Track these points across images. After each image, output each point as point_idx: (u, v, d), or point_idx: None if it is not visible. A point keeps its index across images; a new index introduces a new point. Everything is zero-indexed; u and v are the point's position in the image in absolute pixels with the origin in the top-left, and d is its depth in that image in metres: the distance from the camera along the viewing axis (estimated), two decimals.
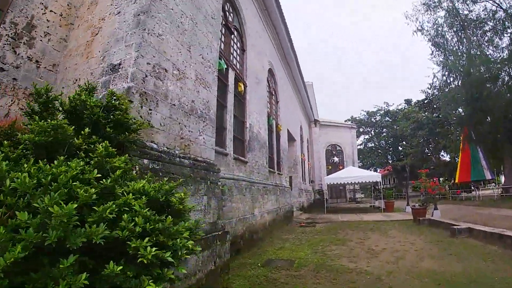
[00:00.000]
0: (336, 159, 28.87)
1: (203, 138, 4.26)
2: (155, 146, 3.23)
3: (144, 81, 3.18)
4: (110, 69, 3.24)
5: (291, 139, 17.01)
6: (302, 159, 20.46)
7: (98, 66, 3.41)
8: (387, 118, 42.04)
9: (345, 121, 37.38)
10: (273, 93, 13.01)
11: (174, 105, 3.61)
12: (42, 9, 3.77)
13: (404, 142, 37.19)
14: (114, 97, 2.70)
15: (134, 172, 2.74)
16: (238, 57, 8.19)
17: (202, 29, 4.48)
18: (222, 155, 6.18)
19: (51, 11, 3.86)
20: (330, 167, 27.53)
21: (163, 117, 3.42)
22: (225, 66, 6.48)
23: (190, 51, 4.07)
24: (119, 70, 3.17)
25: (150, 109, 3.22)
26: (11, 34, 3.40)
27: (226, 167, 6.32)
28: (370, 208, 20.45)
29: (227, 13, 7.47)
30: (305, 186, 20.64)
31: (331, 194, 26.93)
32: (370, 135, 44.34)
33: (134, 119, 2.73)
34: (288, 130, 15.35)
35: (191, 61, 4.06)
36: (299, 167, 18.70)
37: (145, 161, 2.94)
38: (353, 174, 17.97)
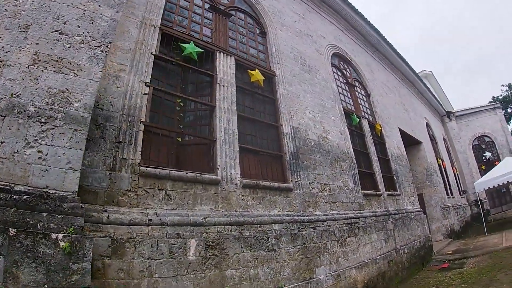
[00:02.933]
0: (488, 154, 20.14)
1: (41, 152, 2.32)
2: None
3: None
4: None
5: (412, 142, 12.24)
6: (441, 165, 14.38)
7: None
8: None
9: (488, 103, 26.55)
10: (356, 84, 9.41)
11: None
12: None
13: None
14: None
15: None
16: (250, 40, 5.95)
17: None
18: (203, 184, 3.69)
19: None
20: (483, 166, 19.43)
21: None
22: (196, 50, 4.35)
23: None
24: None
25: None
26: None
27: (218, 203, 3.74)
28: None
29: None
30: (453, 201, 14.25)
31: (493, 202, 18.84)
32: None
33: None
34: (400, 129, 10.73)
35: None
36: (437, 178, 12.93)
37: None
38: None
